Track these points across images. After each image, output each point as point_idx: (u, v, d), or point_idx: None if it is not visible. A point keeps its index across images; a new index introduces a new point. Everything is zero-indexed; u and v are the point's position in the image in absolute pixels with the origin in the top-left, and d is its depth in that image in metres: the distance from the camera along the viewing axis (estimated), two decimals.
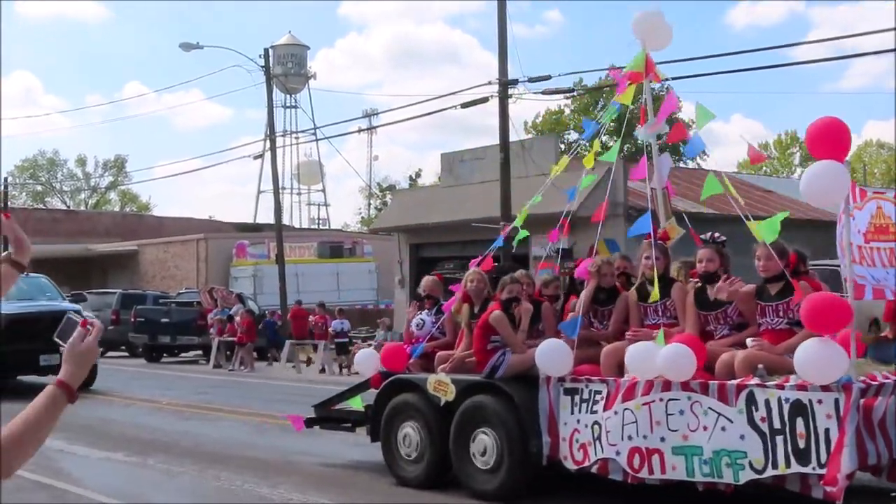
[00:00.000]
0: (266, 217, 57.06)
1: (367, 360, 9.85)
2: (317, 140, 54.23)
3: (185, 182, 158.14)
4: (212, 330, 26.71)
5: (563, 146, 47.83)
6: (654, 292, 7.70)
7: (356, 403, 9.93)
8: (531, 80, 22.16)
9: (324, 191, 67.01)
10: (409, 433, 8.92)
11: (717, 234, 8.14)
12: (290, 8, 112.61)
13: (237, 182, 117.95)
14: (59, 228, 47.77)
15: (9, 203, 47.22)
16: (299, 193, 66.16)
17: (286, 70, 59.40)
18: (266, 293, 33.09)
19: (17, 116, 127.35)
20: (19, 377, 17.63)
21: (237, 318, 25.12)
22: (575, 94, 40.73)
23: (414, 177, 64.46)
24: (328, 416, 10.54)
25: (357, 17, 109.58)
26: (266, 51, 31.54)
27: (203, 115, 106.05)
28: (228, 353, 25.83)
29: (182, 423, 14.27)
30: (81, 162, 74.25)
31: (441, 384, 8.62)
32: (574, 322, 8.00)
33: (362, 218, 68.30)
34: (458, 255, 29.26)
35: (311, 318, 25.84)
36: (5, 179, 49.50)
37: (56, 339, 2.45)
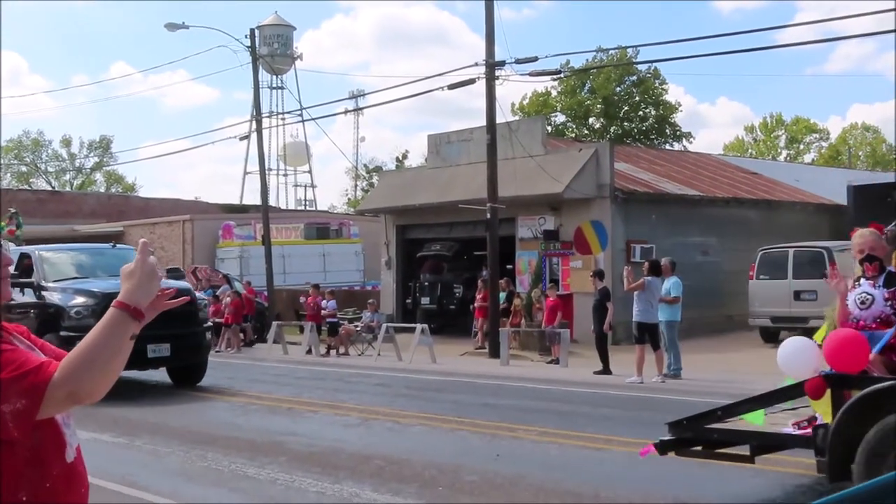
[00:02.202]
0: (252, 198, 56.87)
1: (802, 355, 6.74)
2: (303, 121, 54.30)
3: (171, 163, 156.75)
4: None
5: (549, 128, 47.80)
6: None
7: (756, 420, 7.00)
8: (518, 61, 22.17)
9: (310, 172, 66.89)
10: None
11: None
12: None
13: (223, 163, 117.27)
14: (45, 209, 47.47)
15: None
16: (286, 175, 66.01)
17: (272, 51, 58.98)
18: (252, 274, 33.04)
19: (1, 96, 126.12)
20: (122, 373, 16.77)
21: (227, 299, 25.09)
22: (562, 75, 40.72)
23: (401, 158, 64.39)
24: (701, 436, 7.32)
25: None
26: (252, 31, 31.42)
27: (189, 95, 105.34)
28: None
29: (169, 404, 14.28)
30: (66, 143, 73.64)
31: None
32: None
33: (349, 199, 68.18)
34: (444, 237, 29.31)
35: (302, 298, 25.91)
36: None
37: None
